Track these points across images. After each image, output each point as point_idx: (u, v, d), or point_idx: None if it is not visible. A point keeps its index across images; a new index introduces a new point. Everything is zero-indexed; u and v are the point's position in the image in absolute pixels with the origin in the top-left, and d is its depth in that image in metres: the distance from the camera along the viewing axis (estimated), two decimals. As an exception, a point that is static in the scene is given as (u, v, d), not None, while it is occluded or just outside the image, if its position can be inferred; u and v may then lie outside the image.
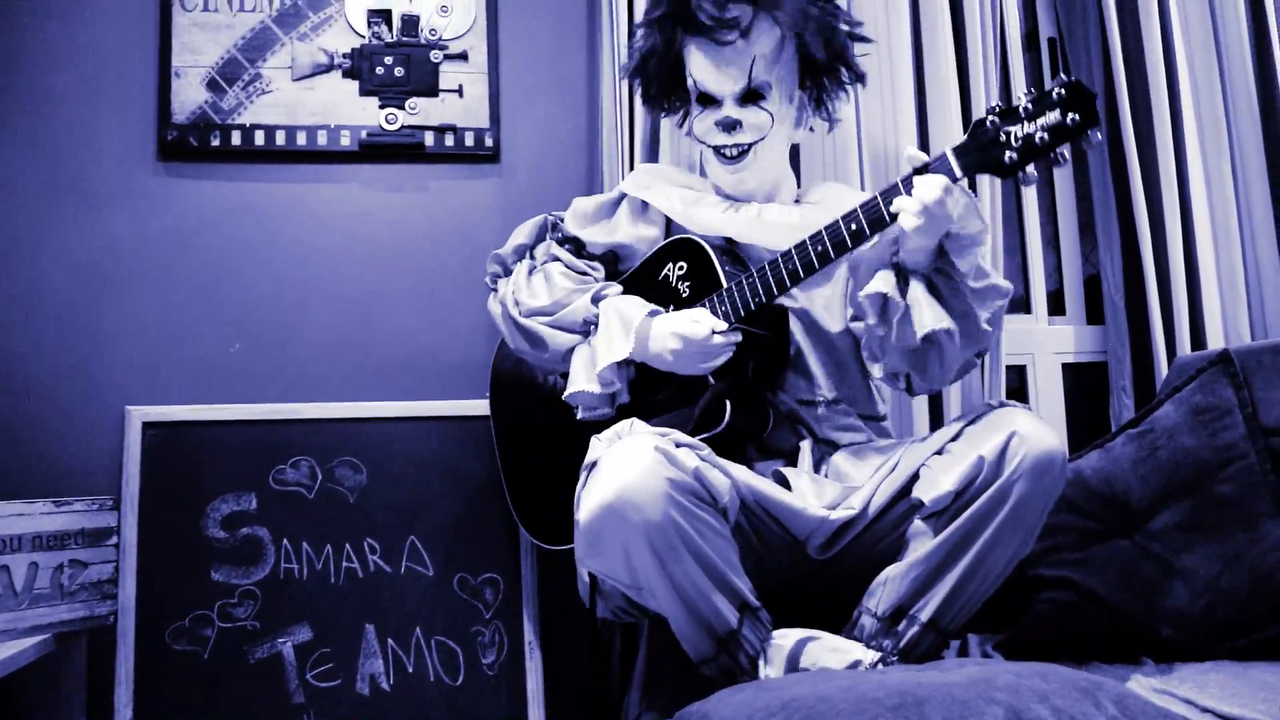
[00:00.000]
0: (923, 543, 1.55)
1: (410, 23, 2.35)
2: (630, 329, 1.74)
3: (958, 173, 1.53)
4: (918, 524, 1.57)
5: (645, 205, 1.96)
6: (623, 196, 2.01)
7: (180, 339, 2.24)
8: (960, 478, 1.51)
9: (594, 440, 1.60)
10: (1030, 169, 1.47)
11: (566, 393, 1.80)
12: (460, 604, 2.18)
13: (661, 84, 1.95)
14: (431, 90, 2.34)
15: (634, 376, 1.81)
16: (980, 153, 1.51)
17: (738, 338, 1.69)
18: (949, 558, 1.53)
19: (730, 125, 1.83)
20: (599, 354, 1.76)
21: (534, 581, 2.20)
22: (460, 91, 2.35)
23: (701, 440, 1.60)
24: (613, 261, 2.01)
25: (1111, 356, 2.45)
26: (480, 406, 2.24)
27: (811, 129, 1.97)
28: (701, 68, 1.84)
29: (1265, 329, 2.38)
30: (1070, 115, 1.41)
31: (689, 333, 1.69)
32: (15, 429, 2.16)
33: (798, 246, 1.64)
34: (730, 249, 1.85)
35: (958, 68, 2.40)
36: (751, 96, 1.82)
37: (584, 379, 1.77)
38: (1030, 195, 2.61)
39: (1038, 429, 1.51)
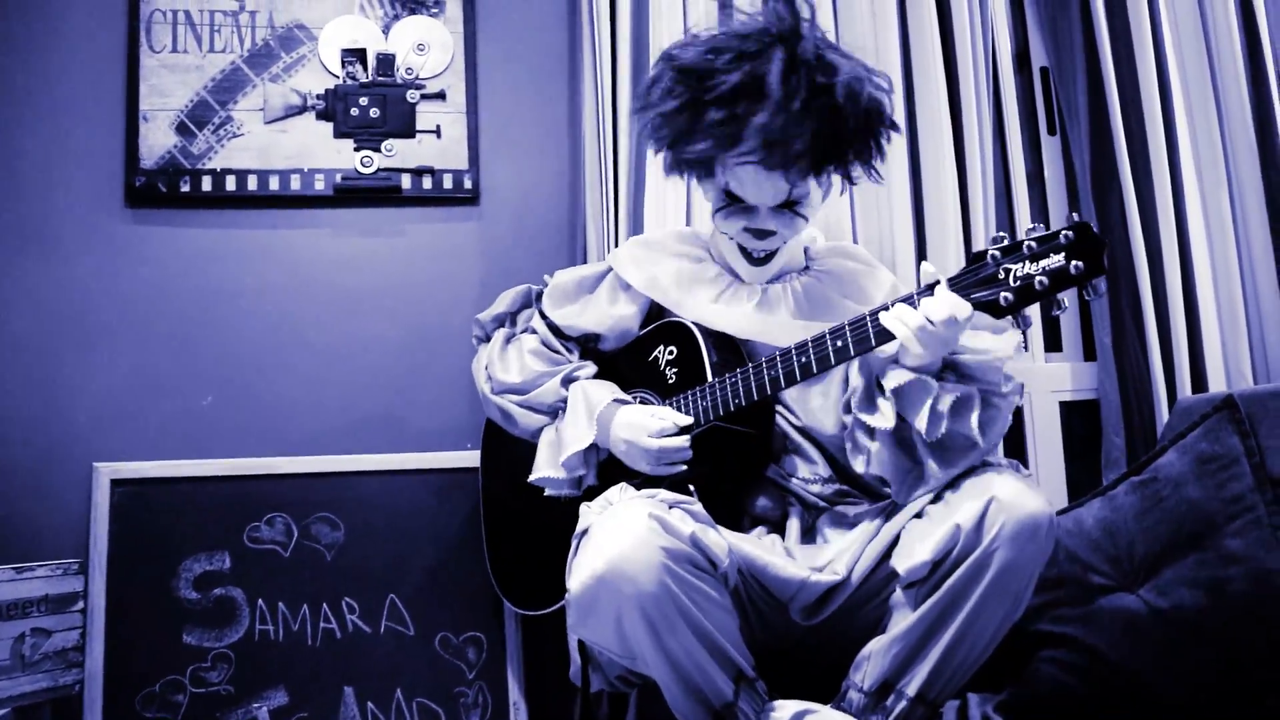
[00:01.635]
0: (904, 614, 1.50)
1: (386, 62, 2.29)
2: (593, 416, 1.70)
3: None
4: (898, 594, 1.51)
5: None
6: (609, 270, 1.93)
7: (150, 391, 2.17)
8: (936, 547, 1.45)
9: (584, 508, 1.56)
10: (1027, 312, 1.40)
11: (532, 476, 1.76)
12: (442, 664, 2.10)
13: (680, 159, 1.77)
14: (408, 131, 2.28)
15: (604, 458, 1.76)
16: (976, 287, 1.42)
17: (688, 454, 1.65)
18: (931, 630, 1.47)
19: (763, 234, 1.73)
20: (565, 440, 1.73)
21: (518, 640, 2.13)
22: (438, 132, 2.29)
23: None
24: (593, 338, 1.92)
25: (1102, 397, 2.40)
26: (461, 458, 2.18)
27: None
28: (740, 179, 1.70)
29: (1267, 368, 2.33)
30: (1075, 262, 1.33)
31: (636, 438, 1.66)
32: (-23, 489, 2.09)
33: (782, 355, 1.59)
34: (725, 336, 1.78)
35: (949, 92, 2.36)
36: (788, 205, 1.72)
37: (548, 464, 1.75)
38: (1023, 209, 2.55)
39: (1018, 494, 1.45)
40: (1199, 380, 2.31)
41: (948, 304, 1.42)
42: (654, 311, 1.86)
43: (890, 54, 2.34)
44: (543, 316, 1.95)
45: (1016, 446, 2.46)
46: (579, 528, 1.52)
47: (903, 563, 1.48)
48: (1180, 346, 2.30)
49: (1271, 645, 1.69)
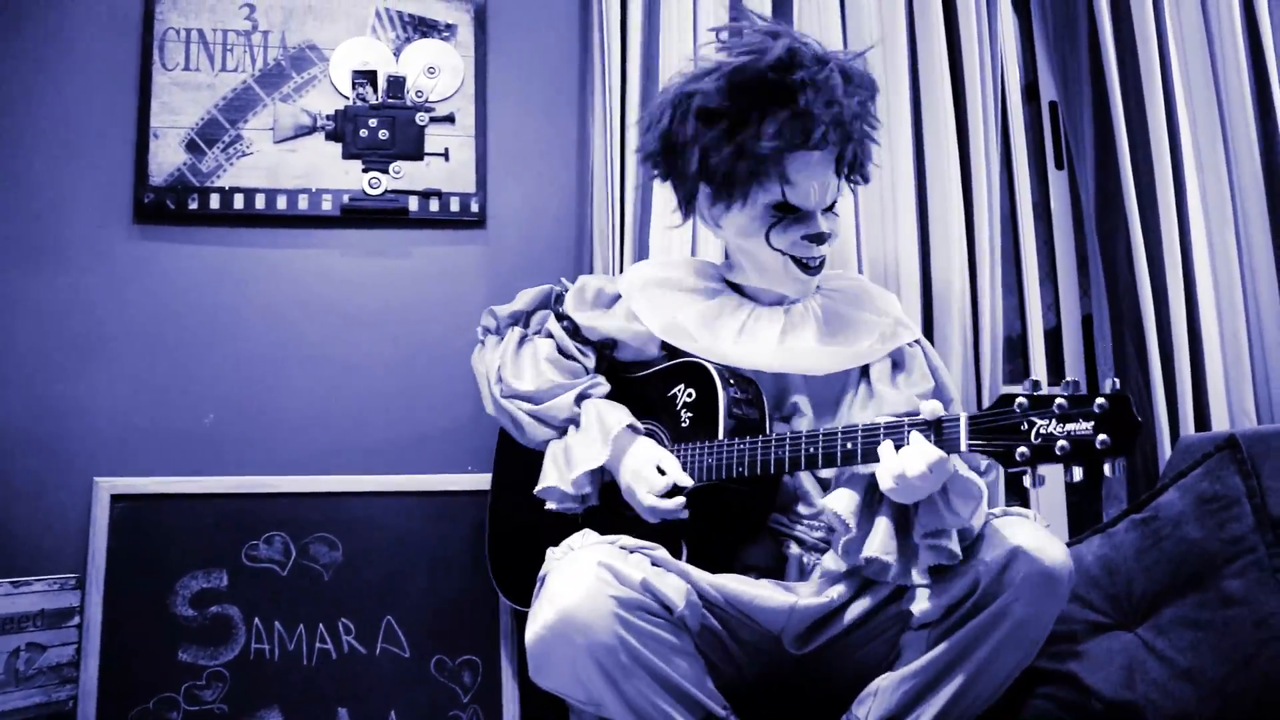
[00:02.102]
0: (916, 654, 1.50)
1: (396, 84, 2.30)
2: (608, 438, 1.68)
3: (963, 444, 1.38)
4: (911, 634, 1.51)
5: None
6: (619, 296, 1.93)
7: (152, 407, 2.17)
8: (954, 594, 1.46)
9: (549, 552, 1.55)
10: (1040, 470, 1.33)
11: (538, 487, 1.74)
12: (437, 687, 2.09)
13: (731, 181, 1.74)
14: (417, 154, 2.29)
15: (609, 480, 1.75)
16: (995, 434, 1.35)
17: (683, 516, 1.63)
18: (943, 673, 1.47)
19: (822, 239, 1.74)
20: (575, 458, 1.71)
21: (514, 664, 2.12)
22: (446, 155, 2.30)
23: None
24: (610, 345, 1.92)
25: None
26: (462, 481, 2.18)
27: None
28: (790, 179, 1.70)
29: (1271, 407, 2.32)
30: (1102, 436, 1.25)
31: (637, 488, 1.65)
32: (-23, 500, 2.08)
33: (792, 439, 1.56)
34: (746, 379, 1.76)
35: (956, 123, 2.37)
36: (830, 206, 1.77)
37: (556, 477, 1.72)
38: (1029, 242, 2.55)
39: (1041, 544, 1.45)
40: (1202, 418, 2.30)
41: (922, 460, 1.38)
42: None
43: (899, 83, 2.35)
44: (560, 319, 1.94)
45: (1018, 480, 2.44)
46: (542, 570, 1.53)
47: (918, 604, 1.48)
48: (1184, 383, 2.29)
49: (1270, 688, 1.67)
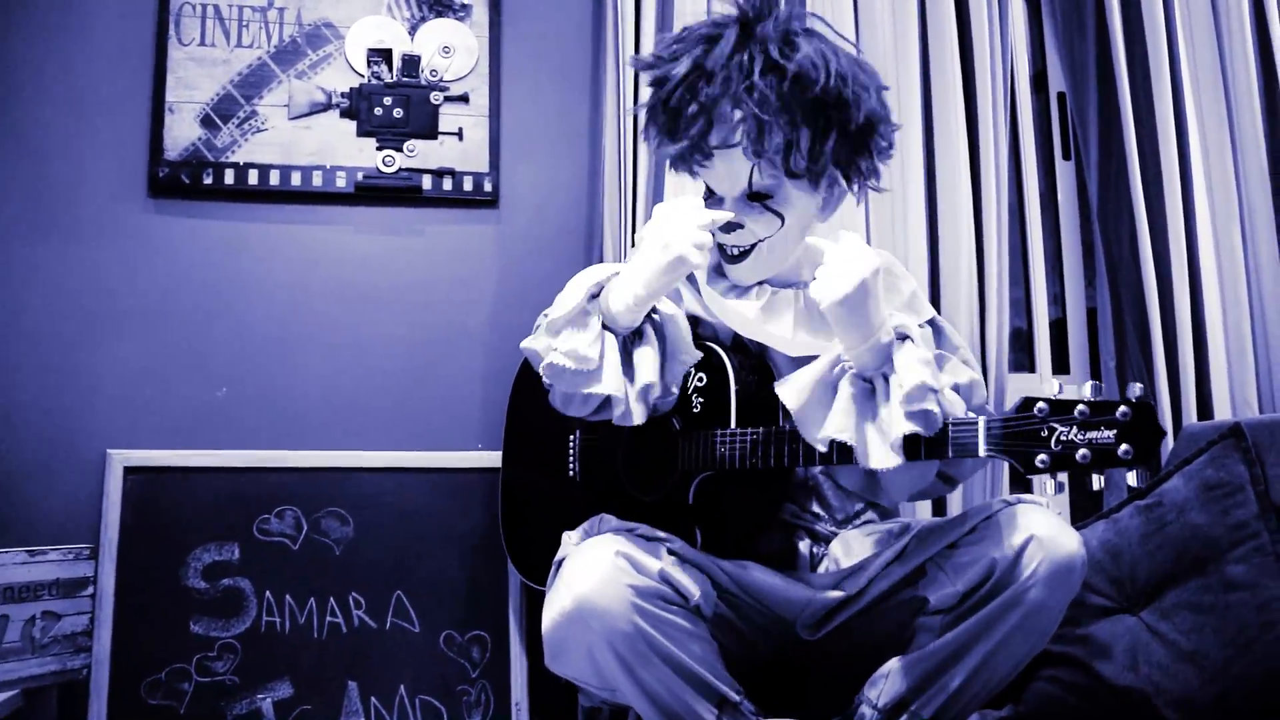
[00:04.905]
0: (928, 638, 1.50)
1: (411, 63, 2.31)
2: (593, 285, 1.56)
3: (981, 449, 1.35)
4: (924, 619, 1.52)
5: None
6: None
7: (165, 381, 2.18)
8: (970, 580, 1.46)
9: (565, 537, 1.56)
10: (1061, 477, 1.31)
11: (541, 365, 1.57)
12: (446, 662, 2.12)
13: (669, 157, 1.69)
14: (431, 132, 2.30)
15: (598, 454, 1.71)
16: (1015, 439, 1.33)
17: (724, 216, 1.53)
18: (954, 657, 1.48)
19: (730, 227, 1.62)
20: (565, 296, 1.58)
21: (523, 641, 2.14)
22: (460, 134, 2.31)
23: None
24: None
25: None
26: (471, 458, 2.19)
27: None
28: (704, 159, 1.62)
29: (1274, 397, 2.34)
30: (1124, 446, 1.23)
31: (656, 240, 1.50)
32: (-8, 470, 2.10)
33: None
34: (761, 363, 1.71)
35: (966, 113, 2.38)
36: (756, 197, 1.61)
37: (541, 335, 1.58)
38: (1035, 233, 2.57)
39: (1057, 532, 1.44)
40: (1205, 407, 2.33)
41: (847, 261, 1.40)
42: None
43: (910, 73, 2.36)
44: None
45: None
46: (558, 554, 1.53)
47: (933, 592, 1.49)
48: (1187, 374, 2.32)
49: (1272, 671, 1.70)
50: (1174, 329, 2.34)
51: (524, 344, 1.62)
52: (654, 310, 1.57)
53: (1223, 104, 2.44)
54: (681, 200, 1.53)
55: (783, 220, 1.63)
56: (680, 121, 1.58)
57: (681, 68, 1.57)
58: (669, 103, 1.59)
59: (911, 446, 1.40)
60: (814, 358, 1.54)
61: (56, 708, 1.95)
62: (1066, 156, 2.65)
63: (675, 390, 1.61)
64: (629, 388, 1.53)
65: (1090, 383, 1.31)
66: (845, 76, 1.55)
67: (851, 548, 1.67)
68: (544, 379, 1.57)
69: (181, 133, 2.22)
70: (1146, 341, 2.35)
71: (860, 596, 1.57)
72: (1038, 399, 1.32)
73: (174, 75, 2.23)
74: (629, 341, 1.56)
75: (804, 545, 1.70)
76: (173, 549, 2.08)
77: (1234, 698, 1.71)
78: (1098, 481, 1.29)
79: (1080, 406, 1.28)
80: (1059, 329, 2.62)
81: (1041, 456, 1.29)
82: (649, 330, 1.56)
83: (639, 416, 1.54)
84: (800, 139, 1.55)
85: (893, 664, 1.52)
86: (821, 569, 1.67)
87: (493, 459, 2.15)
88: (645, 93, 2.18)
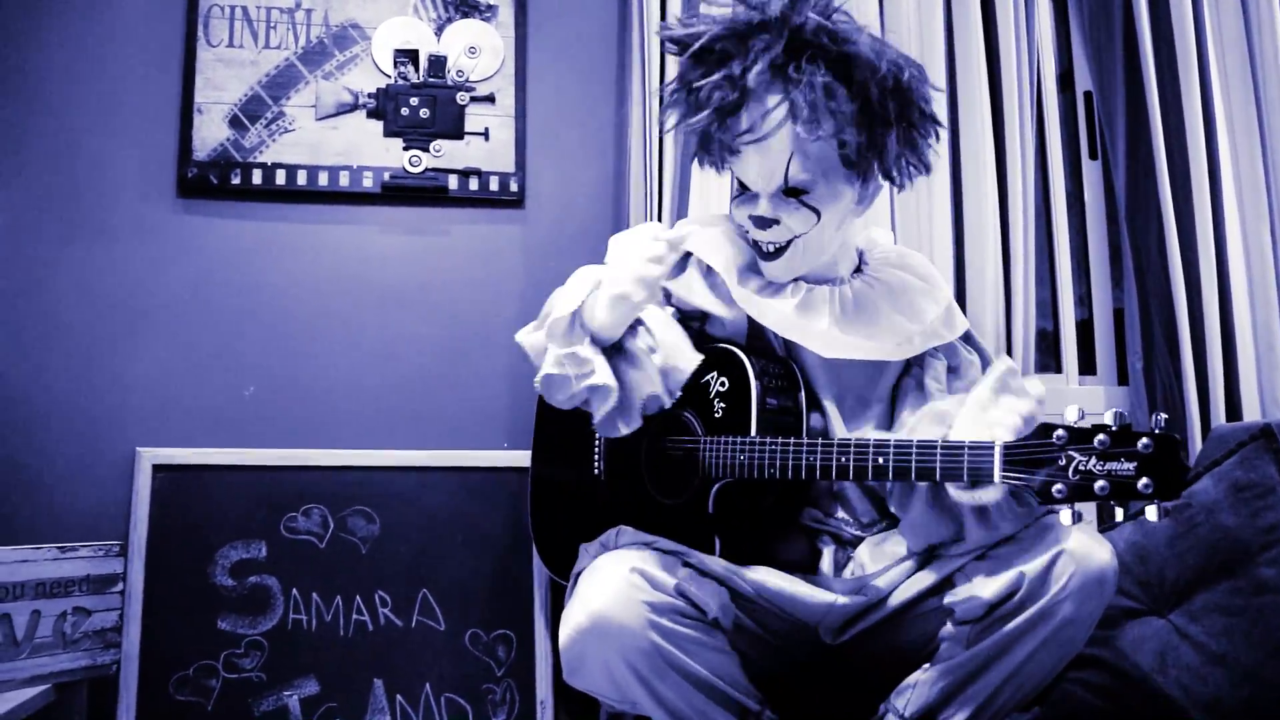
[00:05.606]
0: (955, 649, 1.49)
1: (437, 63, 2.32)
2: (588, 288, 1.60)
3: (996, 475, 1.31)
4: (951, 628, 1.50)
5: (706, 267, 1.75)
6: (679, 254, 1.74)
7: (194, 380, 2.20)
8: (998, 590, 1.45)
9: (582, 548, 1.56)
10: (1078, 507, 1.26)
11: (537, 377, 1.61)
12: (472, 660, 2.12)
13: (698, 148, 1.72)
14: (457, 133, 2.30)
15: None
16: (1031, 466, 1.28)
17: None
18: (983, 668, 1.47)
19: (765, 224, 1.62)
20: (555, 304, 1.63)
21: (548, 639, 2.14)
22: (486, 135, 2.32)
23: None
24: (698, 319, 1.78)
25: (1133, 422, 2.39)
26: (497, 458, 2.20)
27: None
28: (740, 159, 1.63)
29: (1303, 399, 2.32)
30: (1144, 480, 1.18)
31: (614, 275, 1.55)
32: (23, 468, 2.11)
33: (824, 446, 1.50)
34: (786, 367, 1.68)
35: (992, 111, 2.38)
36: (792, 192, 1.61)
37: (551, 361, 1.59)
38: (1061, 233, 2.55)
39: (1088, 545, 1.43)
40: (1233, 408, 2.31)
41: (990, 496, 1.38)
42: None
43: (935, 71, 2.34)
44: None
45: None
46: (576, 566, 1.54)
47: (960, 602, 1.48)
48: (1215, 374, 2.30)
49: (1303, 675, 1.69)
50: (1202, 329, 2.32)
51: (519, 337, 1.68)
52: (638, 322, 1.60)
53: (1252, 105, 2.42)
54: (638, 230, 1.53)
55: (819, 216, 1.62)
56: (707, 91, 1.55)
57: (715, 29, 1.56)
58: (696, 69, 1.58)
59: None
60: (848, 361, 1.57)
61: (87, 702, 1.96)
62: (1094, 156, 2.64)
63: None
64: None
65: (1113, 410, 1.25)
66: (900, 65, 1.56)
67: (878, 554, 1.65)
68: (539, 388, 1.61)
69: (210, 133, 2.24)
70: (1174, 342, 2.33)
71: (884, 603, 1.56)
72: (1057, 426, 1.27)
73: (202, 76, 2.25)
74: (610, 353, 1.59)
75: (828, 551, 1.67)
76: (201, 546, 2.09)
77: (1264, 701, 1.70)
78: (1119, 513, 1.25)
79: (1100, 436, 1.23)
80: (1085, 330, 2.60)
81: (1058, 487, 1.25)
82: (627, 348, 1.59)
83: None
84: (851, 129, 1.55)
85: (919, 674, 1.52)
86: (847, 574, 1.65)
87: (519, 458, 2.15)
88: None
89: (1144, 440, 1.20)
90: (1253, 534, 1.81)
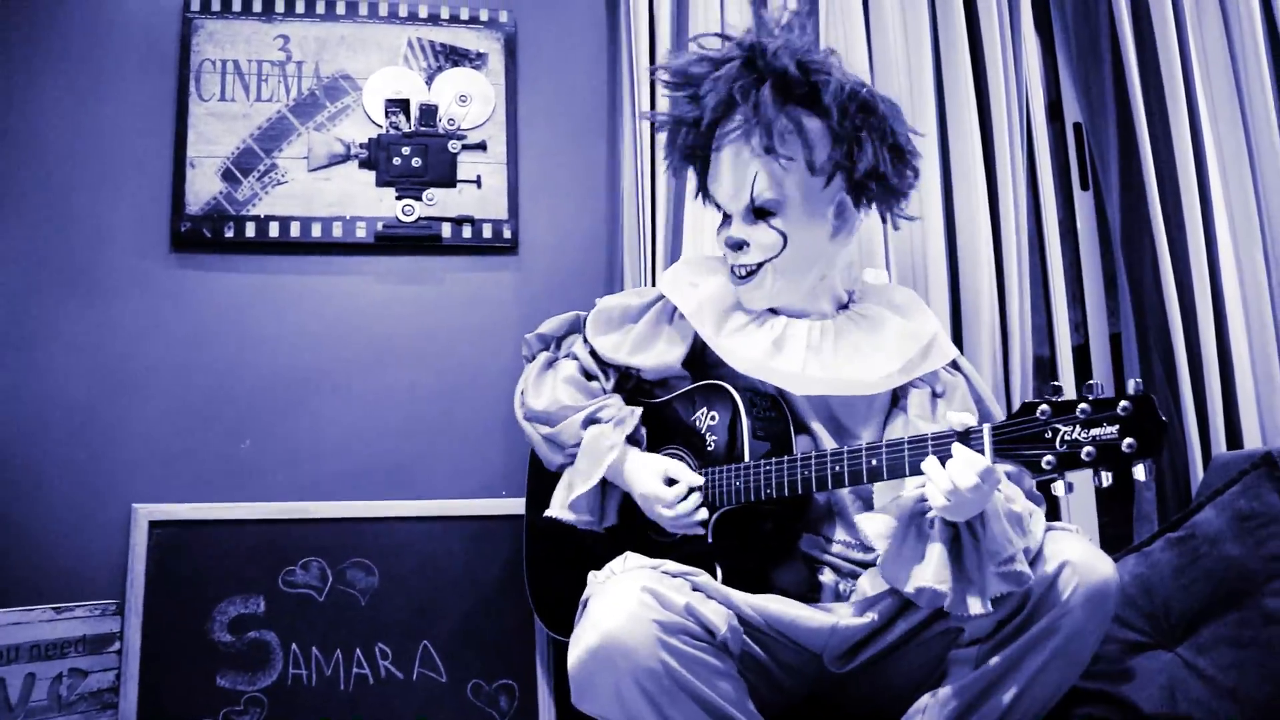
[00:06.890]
0: (963, 670, 1.49)
1: (428, 112, 2.33)
2: (600, 463, 1.71)
3: (988, 456, 1.36)
4: (958, 651, 1.51)
5: (677, 312, 1.85)
6: (657, 300, 1.88)
7: (190, 434, 2.19)
8: (1005, 608, 1.45)
9: (591, 576, 1.55)
10: (1069, 477, 1.32)
11: (547, 512, 1.77)
12: (474, 712, 2.10)
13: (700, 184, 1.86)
14: (449, 181, 2.31)
15: (626, 500, 1.77)
16: (1020, 443, 1.34)
17: (702, 515, 1.66)
18: (991, 688, 1.46)
19: (736, 245, 1.72)
20: (575, 483, 1.74)
21: (550, 688, 2.12)
22: (478, 182, 2.32)
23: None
24: (633, 368, 1.90)
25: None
26: (495, 506, 2.19)
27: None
28: (714, 175, 1.75)
29: (1303, 424, 2.32)
30: (1128, 439, 1.24)
31: (651, 506, 1.68)
32: (17, 526, 2.09)
33: (818, 458, 1.55)
34: (774, 400, 1.73)
35: (982, 143, 2.39)
36: (760, 213, 1.71)
37: (559, 505, 1.75)
38: (1055, 262, 2.54)
39: (1090, 558, 1.45)
40: (1234, 435, 2.30)
41: (971, 469, 1.36)
42: (698, 345, 1.82)
43: (925, 105, 2.36)
44: (586, 342, 1.93)
45: (1048, 488, 2.44)
46: (583, 596, 1.53)
47: (968, 621, 1.47)
48: (1214, 401, 2.29)
49: (1315, 707, 1.67)
50: (1199, 356, 2.32)
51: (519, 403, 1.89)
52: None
53: (1240, 131, 2.43)
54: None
55: (785, 240, 1.70)
56: (683, 106, 1.73)
57: (695, 57, 1.73)
58: (679, 91, 1.75)
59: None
60: (824, 399, 1.64)
61: (85, 766, 1.94)
62: (1085, 187, 2.65)
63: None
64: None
65: (1088, 383, 1.32)
66: (860, 83, 1.66)
67: (879, 584, 1.64)
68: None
69: (203, 187, 2.24)
70: (1172, 370, 2.33)
71: (890, 627, 1.56)
72: (1039, 402, 1.33)
73: (195, 131, 2.26)
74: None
75: (829, 581, 1.68)
76: (198, 602, 2.07)
77: (1276, 734, 1.68)
78: (1106, 478, 1.28)
79: (1082, 405, 1.29)
80: (1082, 358, 2.60)
81: (1048, 458, 1.31)
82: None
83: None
84: (818, 147, 1.66)
85: (927, 699, 1.51)
86: (853, 600, 1.65)
87: (516, 505, 2.14)
88: (662, 136, 2.22)
89: (1123, 403, 1.26)
90: (1258, 564, 1.79)
